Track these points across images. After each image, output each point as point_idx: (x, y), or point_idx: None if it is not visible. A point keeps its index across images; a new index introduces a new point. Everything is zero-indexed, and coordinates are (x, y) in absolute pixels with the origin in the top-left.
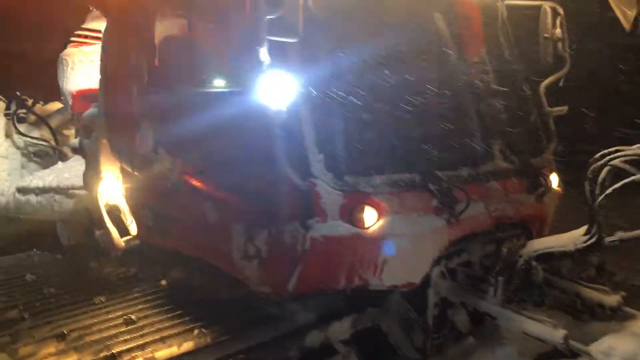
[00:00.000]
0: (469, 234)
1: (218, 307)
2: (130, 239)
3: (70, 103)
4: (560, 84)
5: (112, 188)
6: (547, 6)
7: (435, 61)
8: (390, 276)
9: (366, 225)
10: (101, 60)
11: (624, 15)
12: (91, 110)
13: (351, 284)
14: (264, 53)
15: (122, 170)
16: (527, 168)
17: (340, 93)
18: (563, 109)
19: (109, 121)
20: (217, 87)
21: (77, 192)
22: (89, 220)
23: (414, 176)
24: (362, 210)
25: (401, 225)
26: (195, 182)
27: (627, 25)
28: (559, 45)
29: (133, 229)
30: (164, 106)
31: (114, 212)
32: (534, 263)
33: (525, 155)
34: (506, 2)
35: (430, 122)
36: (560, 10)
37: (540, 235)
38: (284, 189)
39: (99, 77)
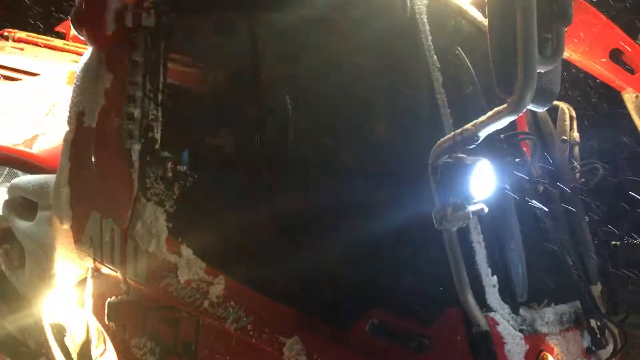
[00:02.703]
0: None
1: None
2: None
3: None
4: None
5: (69, 300)
6: (564, 107)
7: None
8: None
9: None
10: (71, 106)
11: None
12: (37, 178)
13: None
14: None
15: (97, 274)
16: None
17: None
18: None
19: (76, 196)
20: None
21: None
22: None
23: (575, 307)
24: None
25: None
26: (268, 305)
27: None
28: (576, 149)
29: None
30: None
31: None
32: None
33: None
34: None
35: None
36: (574, 113)
37: None
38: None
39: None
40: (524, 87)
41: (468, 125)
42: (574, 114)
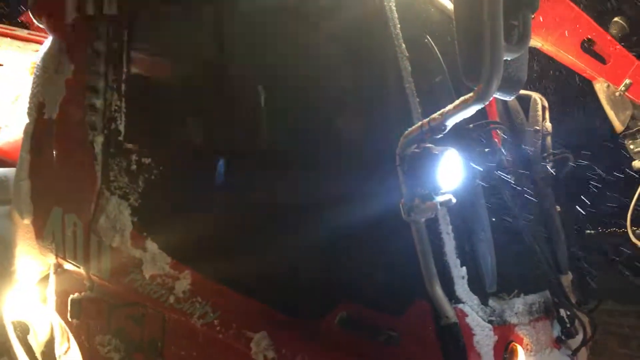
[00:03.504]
0: None
1: None
2: None
3: None
4: None
5: (31, 297)
6: (537, 96)
7: None
8: None
9: None
10: (31, 97)
11: (617, 116)
12: None
13: None
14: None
15: (60, 271)
16: None
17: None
18: None
19: (37, 190)
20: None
21: None
22: None
23: (544, 297)
24: (516, 352)
25: None
26: (235, 300)
27: (619, 128)
28: (548, 139)
29: None
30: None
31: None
32: None
33: None
34: None
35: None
36: (546, 103)
37: None
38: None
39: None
40: (491, 75)
41: (435, 115)
42: (546, 103)
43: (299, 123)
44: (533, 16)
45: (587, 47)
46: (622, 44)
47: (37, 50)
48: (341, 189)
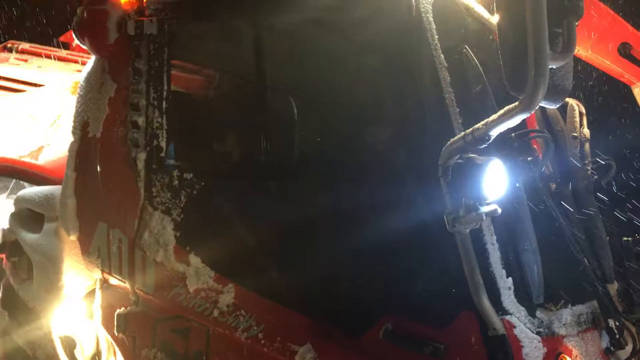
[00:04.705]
0: None
1: None
2: None
3: None
4: None
5: (78, 312)
6: (574, 102)
7: None
8: None
9: None
10: (75, 116)
11: None
12: (43, 189)
13: None
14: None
15: (106, 286)
16: None
17: None
18: None
19: (83, 206)
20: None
21: None
22: None
23: (592, 307)
24: None
25: None
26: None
27: None
28: (587, 146)
29: None
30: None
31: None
32: None
33: None
34: None
35: None
36: (583, 109)
37: None
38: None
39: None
40: (536, 84)
41: (479, 125)
42: (583, 110)
43: (339, 137)
44: (577, 23)
45: (624, 51)
46: None
47: (78, 70)
48: (383, 201)
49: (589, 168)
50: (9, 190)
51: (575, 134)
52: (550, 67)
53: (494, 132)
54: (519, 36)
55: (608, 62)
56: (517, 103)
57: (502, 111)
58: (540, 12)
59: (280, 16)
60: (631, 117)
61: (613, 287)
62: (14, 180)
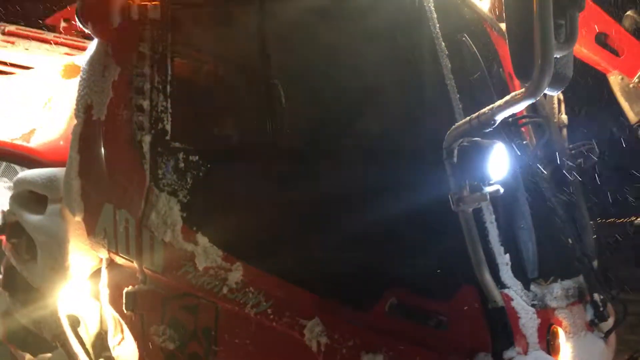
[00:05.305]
0: None
1: None
2: None
3: None
4: None
5: (82, 291)
6: None
7: None
8: None
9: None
10: (78, 99)
11: (631, 108)
12: (44, 171)
13: None
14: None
15: (112, 265)
16: None
17: None
18: None
19: (87, 188)
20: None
21: None
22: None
23: (578, 282)
24: (557, 334)
25: (580, 351)
26: (287, 289)
27: (633, 119)
28: (564, 132)
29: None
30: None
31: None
32: None
33: None
34: None
35: None
36: (562, 96)
37: None
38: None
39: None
40: (542, 72)
41: (485, 110)
42: (561, 97)
43: (343, 121)
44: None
45: (601, 40)
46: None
47: (67, 53)
48: (389, 181)
49: (573, 152)
50: (0, 172)
51: (554, 120)
52: (554, 56)
53: (499, 117)
54: (526, 27)
55: (586, 51)
56: (522, 90)
57: (507, 97)
58: (547, 5)
59: (285, 2)
60: (606, 104)
61: (595, 265)
62: (4, 164)
